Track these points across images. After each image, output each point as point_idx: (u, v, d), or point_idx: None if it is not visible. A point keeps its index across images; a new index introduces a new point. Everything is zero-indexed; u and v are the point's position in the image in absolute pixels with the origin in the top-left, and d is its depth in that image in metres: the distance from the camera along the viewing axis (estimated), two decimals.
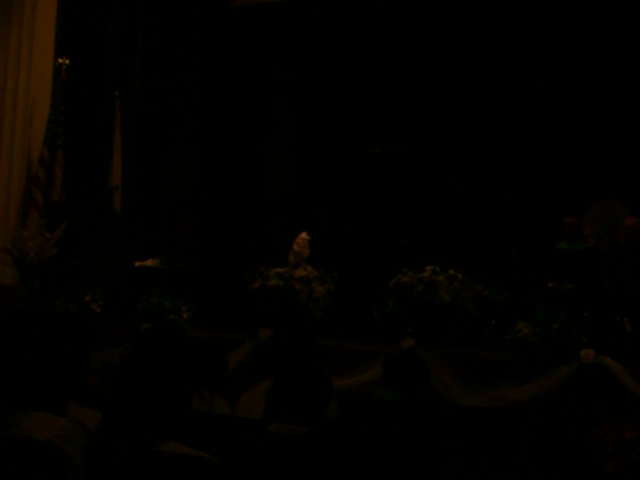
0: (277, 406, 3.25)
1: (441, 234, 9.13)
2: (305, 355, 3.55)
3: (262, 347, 6.41)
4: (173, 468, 2.09)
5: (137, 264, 8.83)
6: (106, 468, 2.15)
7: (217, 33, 10.30)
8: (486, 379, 5.79)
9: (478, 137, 9.51)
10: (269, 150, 10.81)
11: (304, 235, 7.66)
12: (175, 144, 10.62)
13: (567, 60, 9.12)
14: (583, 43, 8.99)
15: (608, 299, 6.79)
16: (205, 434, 2.55)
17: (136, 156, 9.18)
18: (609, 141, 8.96)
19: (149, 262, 9.04)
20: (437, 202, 9.55)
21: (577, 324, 5.85)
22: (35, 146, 8.47)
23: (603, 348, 5.78)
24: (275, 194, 10.41)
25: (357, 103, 10.04)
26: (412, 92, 9.76)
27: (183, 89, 10.47)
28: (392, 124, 9.87)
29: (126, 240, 8.60)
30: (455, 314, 6.55)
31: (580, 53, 9.03)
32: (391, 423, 3.71)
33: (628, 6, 8.58)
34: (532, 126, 9.27)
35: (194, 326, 7.00)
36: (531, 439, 5.46)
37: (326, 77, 10.13)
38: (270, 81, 10.61)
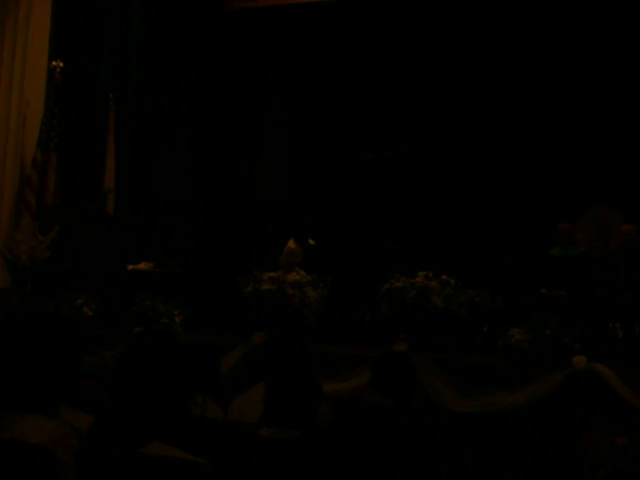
0: (268, 410, 3.25)
1: (434, 239, 9.14)
2: (296, 359, 3.54)
3: (255, 351, 6.40)
4: (165, 473, 2.09)
5: (130, 267, 8.81)
6: (98, 472, 2.14)
7: (212, 37, 10.31)
8: (478, 385, 5.79)
9: (471, 143, 9.54)
10: (263, 154, 10.82)
11: (291, 244, 7.63)
12: (169, 147, 10.61)
13: (561, 67, 9.16)
14: (575, 51, 9.02)
15: (600, 305, 6.80)
16: (197, 438, 2.54)
17: (129, 159, 9.16)
18: (602, 147, 8.99)
19: (142, 265, 9.01)
20: (430, 207, 9.57)
21: (569, 330, 5.85)
22: (28, 149, 8.45)
23: (595, 354, 5.79)
24: (269, 198, 10.41)
25: (351, 108, 10.07)
26: (405, 98, 9.79)
27: (177, 92, 10.46)
28: (385, 129, 9.89)
29: (119, 243, 8.59)
30: (448, 319, 6.55)
31: (572, 60, 9.07)
32: (383, 428, 3.70)
33: (625, 10, 8.60)
34: (525, 132, 9.30)
35: (187, 330, 6.99)
36: (523, 445, 5.46)
37: (320, 82, 10.16)
38: (265, 85, 10.63)
